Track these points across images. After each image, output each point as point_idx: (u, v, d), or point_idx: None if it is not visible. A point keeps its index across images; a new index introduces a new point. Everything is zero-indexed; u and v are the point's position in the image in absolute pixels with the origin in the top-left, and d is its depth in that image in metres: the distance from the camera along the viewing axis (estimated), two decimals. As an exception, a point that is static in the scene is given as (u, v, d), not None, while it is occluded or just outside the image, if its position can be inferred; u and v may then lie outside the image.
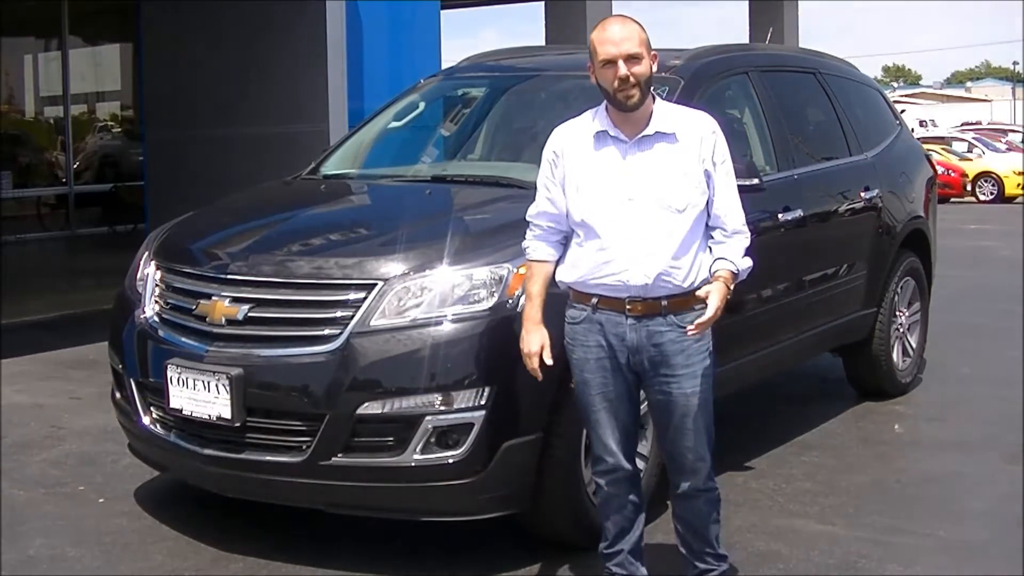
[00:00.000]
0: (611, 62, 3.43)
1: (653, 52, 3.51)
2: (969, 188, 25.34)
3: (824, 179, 6.00)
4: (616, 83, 3.42)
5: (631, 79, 3.41)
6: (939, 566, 4.26)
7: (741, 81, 5.69)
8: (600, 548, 3.75)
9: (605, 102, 3.55)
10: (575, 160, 3.56)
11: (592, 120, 3.58)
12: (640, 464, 4.06)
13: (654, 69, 3.51)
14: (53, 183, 16.05)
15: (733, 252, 3.55)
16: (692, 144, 3.51)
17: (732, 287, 3.52)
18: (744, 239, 3.59)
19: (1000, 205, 24.54)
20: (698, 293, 3.46)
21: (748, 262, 3.59)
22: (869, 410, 6.35)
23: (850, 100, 6.58)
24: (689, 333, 3.44)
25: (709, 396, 3.58)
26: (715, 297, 3.43)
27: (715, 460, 3.66)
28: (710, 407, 3.60)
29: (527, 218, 3.70)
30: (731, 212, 3.57)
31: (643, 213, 3.44)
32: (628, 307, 3.48)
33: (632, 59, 3.43)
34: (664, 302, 3.48)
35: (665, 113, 3.55)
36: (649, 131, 3.50)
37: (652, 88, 3.54)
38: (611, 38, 3.45)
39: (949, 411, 6.40)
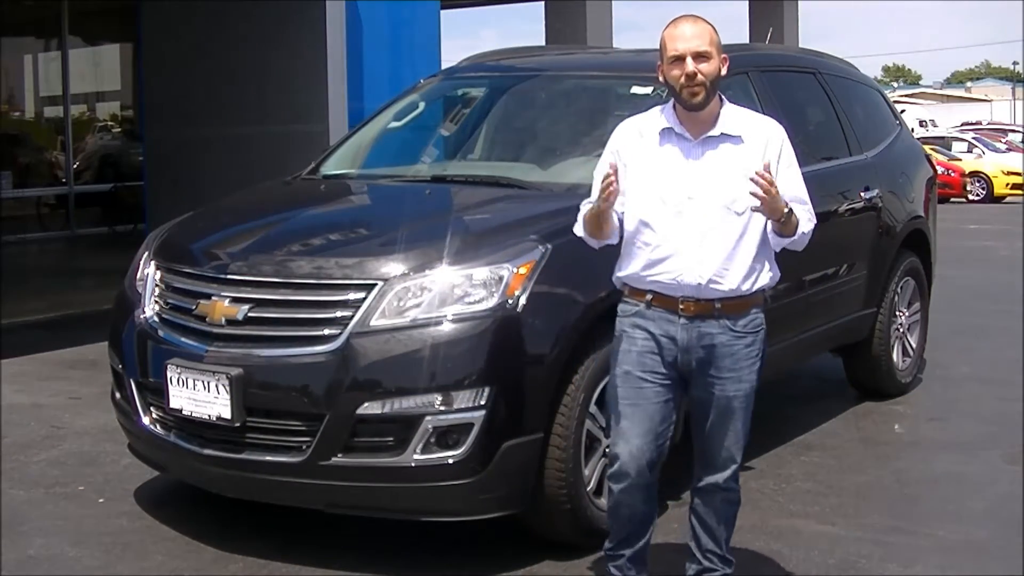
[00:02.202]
0: (679, 59, 3.40)
1: (724, 55, 3.48)
2: (969, 188, 25.59)
3: (824, 179, 5.98)
4: (683, 80, 3.39)
5: (698, 76, 3.38)
6: (939, 566, 4.26)
7: (741, 81, 5.67)
8: (604, 546, 3.72)
9: (672, 100, 3.52)
10: (638, 155, 3.52)
11: (659, 116, 3.55)
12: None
13: (724, 72, 3.48)
14: (53, 183, 16.05)
15: (801, 213, 3.47)
16: (758, 147, 3.47)
17: (788, 218, 3.37)
18: (806, 212, 3.50)
19: (992, 204, 24.68)
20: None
21: (808, 225, 3.50)
22: (869, 410, 6.35)
23: (850, 100, 6.58)
24: (755, 176, 3.26)
25: (751, 402, 3.56)
26: (779, 199, 3.31)
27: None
28: (750, 412, 3.58)
29: (581, 206, 3.59)
30: (793, 193, 3.48)
31: (702, 213, 3.41)
32: (681, 306, 3.45)
33: (700, 57, 3.39)
34: (718, 304, 3.45)
35: (733, 115, 3.53)
36: (715, 132, 3.47)
37: (719, 90, 3.51)
38: (681, 35, 3.43)
39: (949, 411, 6.40)
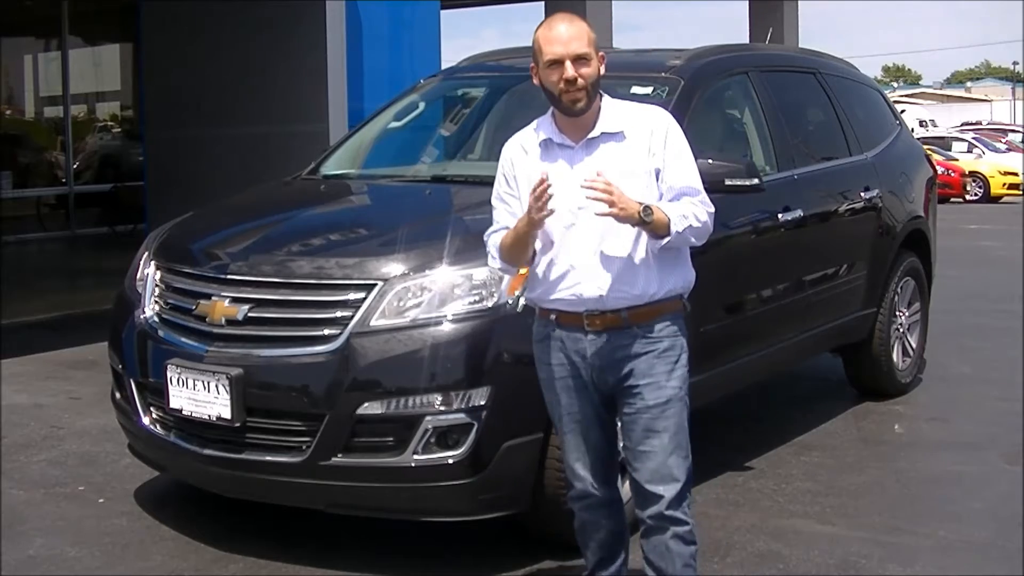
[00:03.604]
0: (557, 62, 3.21)
1: (601, 53, 3.29)
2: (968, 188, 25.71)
3: (824, 179, 6.00)
4: (562, 85, 3.20)
5: (579, 81, 3.20)
6: (939, 566, 4.26)
7: (741, 81, 5.69)
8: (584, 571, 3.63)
9: (551, 108, 3.34)
10: (525, 173, 3.33)
11: (539, 129, 3.37)
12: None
13: (602, 71, 3.29)
14: (53, 183, 16.05)
15: (676, 206, 3.22)
16: (641, 140, 3.27)
17: (651, 219, 3.12)
18: (695, 207, 3.24)
19: (989, 204, 24.74)
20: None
21: (687, 222, 3.20)
22: (869, 410, 6.35)
23: (850, 100, 6.58)
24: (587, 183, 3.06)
25: (679, 411, 3.29)
26: (625, 199, 3.08)
27: (699, 476, 3.40)
28: (681, 423, 3.30)
29: (484, 238, 3.47)
30: (682, 184, 3.26)
31: (594, 221, 3.18)
32: (586, 321, 3.27)
33: (580, 60, 3.21)
34: (624, 314, 3.25)
35: (612, 111, 3.33)
36: (595, 133, 3.29)
37: (602, 88, 3.32)
38: (558, 37, 3.22)
39: (949, 411, 6.40)
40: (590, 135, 3.29)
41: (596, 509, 3.46)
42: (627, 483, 4.05)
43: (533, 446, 4.02)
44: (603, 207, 3.08)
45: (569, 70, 3.21)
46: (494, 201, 3.47)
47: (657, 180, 3.27)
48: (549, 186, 3.08)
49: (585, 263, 3.25)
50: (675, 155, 3.29)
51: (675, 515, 3.28)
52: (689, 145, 3.37)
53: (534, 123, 3.41)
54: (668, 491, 3.26)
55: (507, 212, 3.42)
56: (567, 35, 3.23)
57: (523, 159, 3.38)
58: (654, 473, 3.27)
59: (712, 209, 3.32)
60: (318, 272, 4.17)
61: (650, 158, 3.27)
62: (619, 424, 3.50)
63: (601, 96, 3.33)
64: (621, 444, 3.51)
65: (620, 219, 3.12)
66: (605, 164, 3.23)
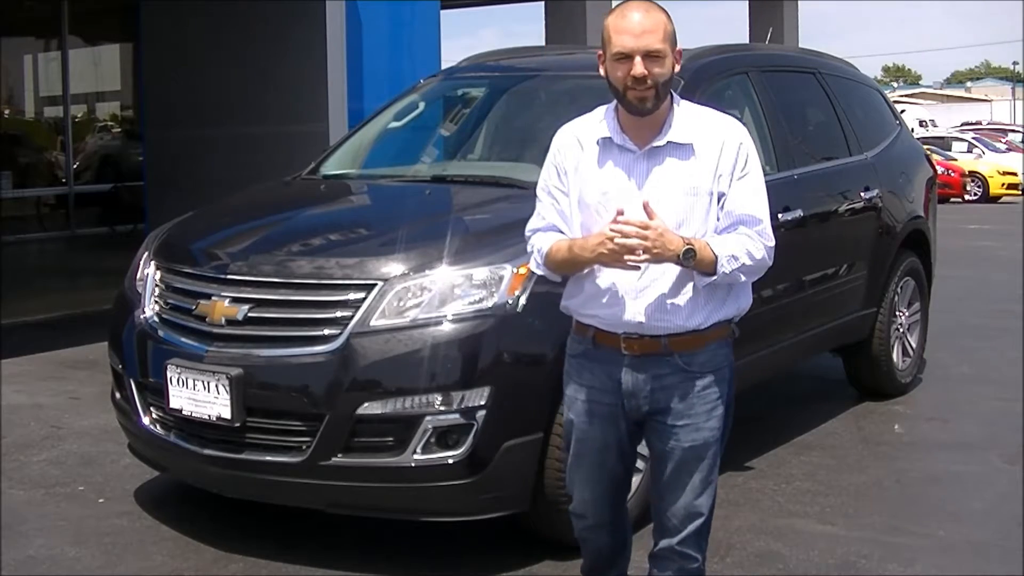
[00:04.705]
0: (626, 57, 2.87)
1: (679, 48, 2.96)
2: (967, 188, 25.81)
3: (824, 179, 6.01)
4: (629, 81, 2.88)
5: (647, 80, 2.87)
6: (939, 566, 4.26)
7: (741, 81, 5.69)
8: (580, 568, 3.53)
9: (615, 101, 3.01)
10: (578, 170, 3.05)
11: (599, 122, 3.04)
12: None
13: (677, 68, 2.95)
14: (53, 183, 16.04)
15: (727, 242, 2.95)
16: (710, 156, 2.96)
17: (690, 263, 2.87)
18: (751, 241, 2.97)
19: (988, 204, 24.79)
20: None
21: (737, 262, 2.94)
22: (869, 410, 6.35)
23: (850, 100, 6.59)
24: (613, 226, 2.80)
25: (715, 453, 3.09)
26: (668, 232, 2.82)
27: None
28: (715, 463, 3.09)
29: (527, 232, 3.19)
30: (742, 211, 2.97)
31: None
32: (624, 344, 3.01)
33: (652, 56, 2.86)
34: (664, 340, 2.99)
35: (685, 118, 3.00)
36: (661, 141, 2.96)
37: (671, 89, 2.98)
38: (630, 28, 2.87)
39: (949, 411, 6.40)
40: (655, 143, 2.97)
41: (596, 529, 3.29)
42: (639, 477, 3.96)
43: (533, 446, 4.02)
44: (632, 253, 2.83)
45: (638, 67, 2.86)
46: (540, 193, 3.15)
47: (718, 204, 2.98)
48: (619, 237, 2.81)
49: (628, 283, 2.97)
50: (741, 178, 2.98)
51: (687, 551, 3.12)
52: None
53: (598, 112, 3.08)
54: (690, 527, 3.10)
55: (555, 209, 3.11)
56: (640, 27, 2.87)
57: (577, 154, 3.06)
58: (680, 510, 3.09)
59: (772, 243, 3.02)
60: (318, 272, 4.17)
61: (715, 180, 2.96)
62: (646, 447, 3.25)
63: (673, 98, 3.01)
64: (642, 464, 3.44)
65: (655, 261, 2.87)
66: (667, 179, 2.96)
